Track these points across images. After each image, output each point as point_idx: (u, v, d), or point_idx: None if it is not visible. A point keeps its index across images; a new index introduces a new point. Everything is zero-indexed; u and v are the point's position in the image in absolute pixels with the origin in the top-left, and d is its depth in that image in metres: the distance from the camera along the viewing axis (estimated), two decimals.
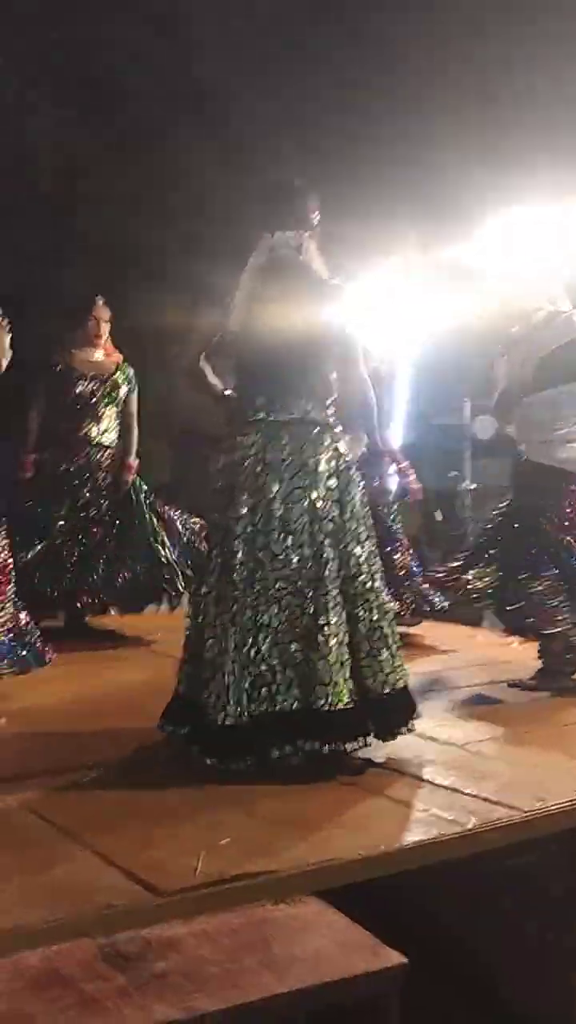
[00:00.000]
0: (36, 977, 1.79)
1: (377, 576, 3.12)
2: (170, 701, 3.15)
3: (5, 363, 3.77)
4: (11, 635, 3.66)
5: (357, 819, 2.61)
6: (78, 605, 5.08)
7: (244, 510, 3.03)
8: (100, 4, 10.21)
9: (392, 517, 5.28)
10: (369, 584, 3.07)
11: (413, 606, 5.19)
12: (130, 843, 2.38)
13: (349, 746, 2.94)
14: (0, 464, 4.87)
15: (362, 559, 3.07)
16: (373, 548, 3.15)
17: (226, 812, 2.62)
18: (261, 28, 9.66)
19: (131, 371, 5.23)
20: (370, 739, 3.02)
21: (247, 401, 3.17)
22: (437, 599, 5.18)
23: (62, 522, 4.94)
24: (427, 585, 5.17)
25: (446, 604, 5.13)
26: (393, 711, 3.05)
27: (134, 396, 5.20)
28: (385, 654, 3.04)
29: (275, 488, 3.03)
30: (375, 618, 3.05)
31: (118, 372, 5.14)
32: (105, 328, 5.16)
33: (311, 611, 2.96)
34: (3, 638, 3.61)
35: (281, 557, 2.98)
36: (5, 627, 3.66)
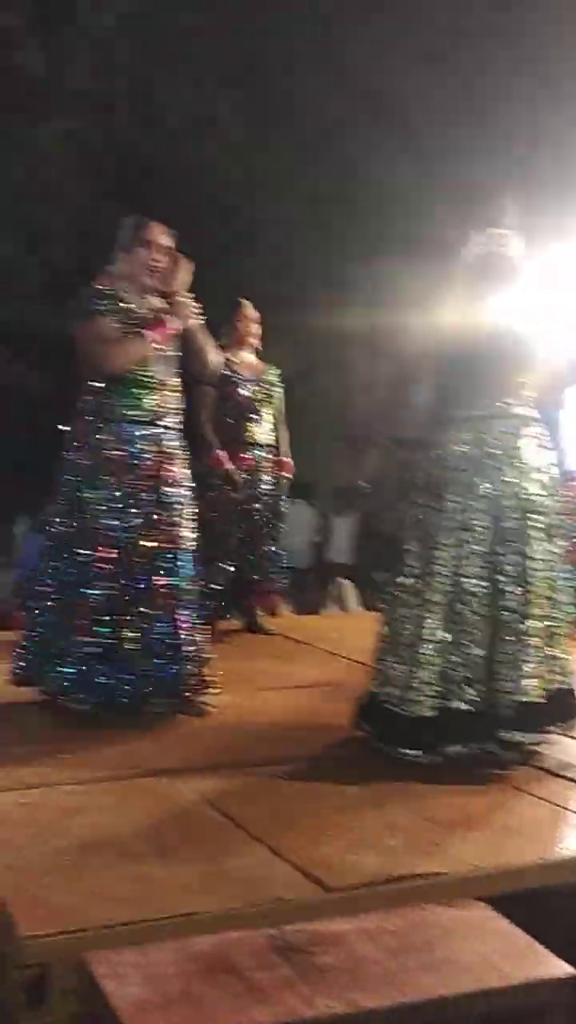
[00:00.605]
0: (207, 962, 1.88)
1: (559, 577, 3.09)
2: (363, 698, 3.19)
3: (215, 358, 3.74)
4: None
5: (528, 825, 2.59)
6: (254, 607, 5.22)
7: (450, 505, 3.05)
8: (274, 12, 10.41)
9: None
10: (555, 583, 3.05)
11: None
12: (301, 839, 2.44)
13: (527, 739, 2.97)
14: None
15: (553, 557, 3.05)
16: (562, 547, 3.12)
17: (396, 812, 2.65)
18: (437, 24, 9.59)
19: (277, 371, 5.28)
20: (550, 737, 3.03)
21: (452, 397, 3.17)
22: None
23: (239, 537, 5.06)
24: None
25: None
26: (549, 712, 3.03)
27: (282, 395, 5.27)
28: (547, 653, 3.01)
29: (482, 484, 3.03)
30: (553, 616, 3.03)
31: (270, 372, 5.21)
32: (256, 329, 5.20)
33: (512, 606, 2.97)
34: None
35: (485, 553, 2.99)
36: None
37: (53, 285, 14.14)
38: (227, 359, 5.00)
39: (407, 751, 2.97)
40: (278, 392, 5.21)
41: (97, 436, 3.49)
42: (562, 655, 3.07)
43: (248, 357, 5.18)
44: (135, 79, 11.19)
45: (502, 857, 2.36)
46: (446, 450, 3.11)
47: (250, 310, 5.16)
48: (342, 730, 3.31)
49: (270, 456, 5.16)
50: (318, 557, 9.83)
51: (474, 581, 2.99)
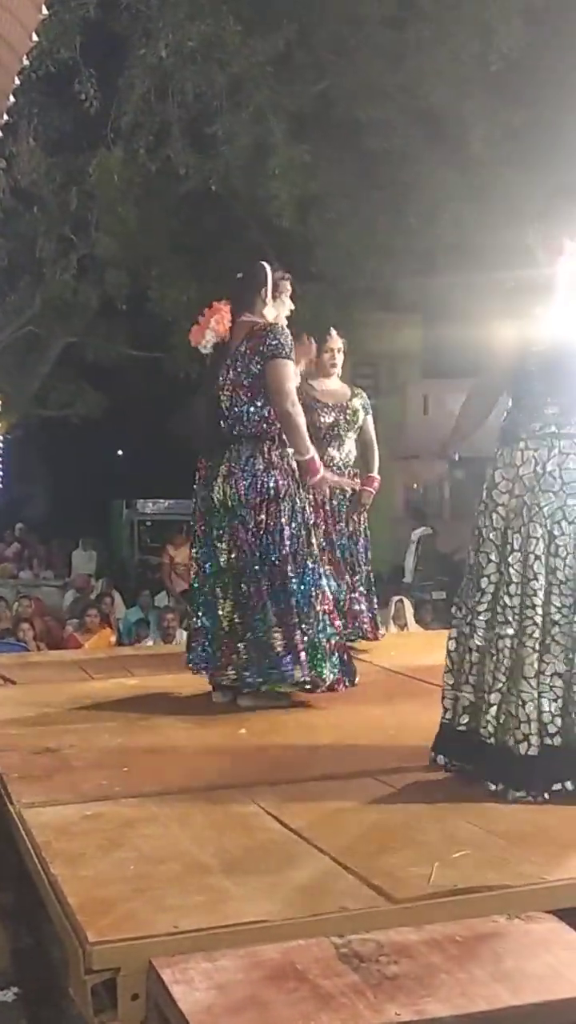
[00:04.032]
0: (274, 969, 1.88)
1: None
2: (443, 731, 3.11)
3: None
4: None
5: None
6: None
7: (513, 523, 2.97)
8: (330, 42, 10.56)
9: None
10: None
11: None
12: (365, 851, 2.44)
13: None
14: None
15: None
16: None
17: (461, 825, 2.63)
18: (489, 52, 9.65)
19: (365, 396, 5.42)
20: None
21: (533, 412, 3.06)
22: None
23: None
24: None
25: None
26: None
27: (370, 419, 5.36)
28: None
29: (544, 503, 2.95)
30: None
31: (355, 398, 5.28)
32: (339, 358, 5.29)
33: None
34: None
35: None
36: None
37: (109, 311, 14.39)
38: (310, 386, 5.09)
39: (518, 792, 2.83)
40: (363, 417, 5.27)
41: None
42: None
43: (330, 384, 5.28)
44: (190, 108, 11.38)
45: (570, 870, 2.32)
46: (527, 467, 3.01)
47: (336, 340, 5.27)
48: (402, 745, 3.29)
49: (351, 476, 5.24)
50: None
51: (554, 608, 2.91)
